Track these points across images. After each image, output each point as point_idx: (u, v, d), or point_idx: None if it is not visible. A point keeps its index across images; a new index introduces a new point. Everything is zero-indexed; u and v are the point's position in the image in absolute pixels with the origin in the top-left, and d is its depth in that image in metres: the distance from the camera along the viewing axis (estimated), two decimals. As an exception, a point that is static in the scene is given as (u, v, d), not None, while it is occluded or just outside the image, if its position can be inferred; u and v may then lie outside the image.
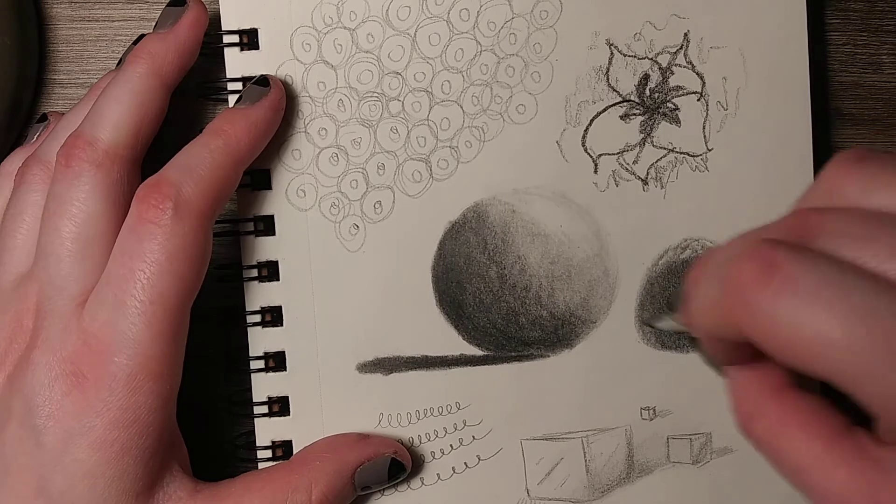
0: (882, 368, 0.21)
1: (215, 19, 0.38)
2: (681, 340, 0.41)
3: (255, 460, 0.40)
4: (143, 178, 0.35)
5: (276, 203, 0.39)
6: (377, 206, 0.40)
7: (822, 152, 0.42)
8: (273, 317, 0.39)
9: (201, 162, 0.35)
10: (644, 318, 0.40)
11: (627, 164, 0.40)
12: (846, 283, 0.22)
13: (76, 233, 0.34)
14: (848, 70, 0.42)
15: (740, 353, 0.25)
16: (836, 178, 0.25)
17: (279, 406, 0.40)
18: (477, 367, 0.40)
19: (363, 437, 0.39)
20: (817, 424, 0.24)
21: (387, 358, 0.40)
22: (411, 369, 0.40)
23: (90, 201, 0.35)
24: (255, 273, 0.39)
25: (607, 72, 0.40)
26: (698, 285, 0.26)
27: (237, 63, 0.39)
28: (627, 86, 0.40)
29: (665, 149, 0.40)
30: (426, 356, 0.40)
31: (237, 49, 0.38)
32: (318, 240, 0.39)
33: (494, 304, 0.40)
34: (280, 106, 0.38)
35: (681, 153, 0.40)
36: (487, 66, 0.39)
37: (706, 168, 0.40)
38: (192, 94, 0.40)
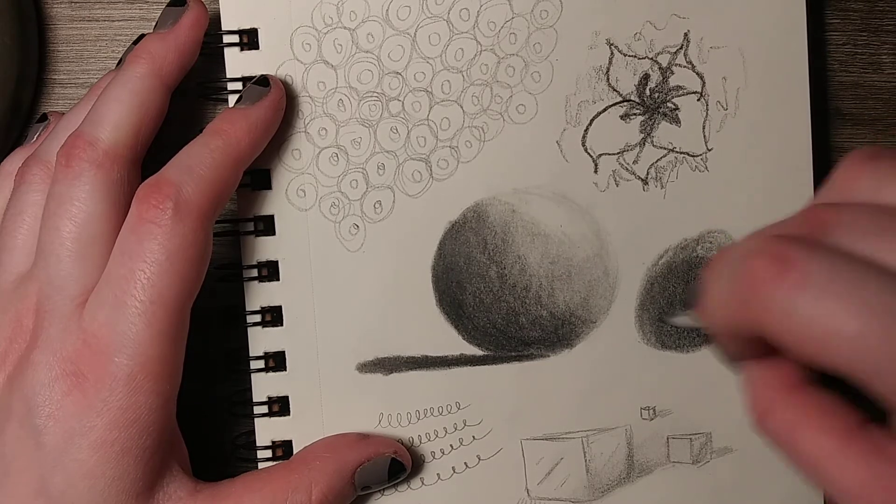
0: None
1: (215, 19, 0.38)
2: (681, 340, 0.41)
3: (255, 460, 0.40)
4: (144, 178, 0.35)
5: (276, 203, 0.39)
6: (377, 205, 0.40)
7: (822, 152, 0.42)
8: (273, 317, 0.39)
9: (201, 162, 0.35)
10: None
11: (627, 163, 0.40)
12: (859, 278, 0.22)
13: (76, 233, 0.34)
14: (848, 70, 0.42)
15: (755, 349, 0.26)
16: (850, 175, 0.26)
17: (279, 406, 0.40)
18: (477, 367, 0.40)
19: (363, 437, 0.39)
20: (832, 420, 0.24)
21: (387, 358, 0.40)
22: (411, 369, 0.40)
23: (90, 201, 0.35)
24: (255, 273, 0.39)
25: (607, 71, 0.40)
26: (713, 282, 0.26)
27: (237, 63, 0.39)
28: (627, 85, 0.40)
29: (665, 149, 0.40)
30: (426, 356, 0.40)
31: (237, 49, 0.38)
32: (318, 240, 0.39)
33: (494, 304, 0.40)
34: (280, 106, 0.38)
35: (681, 153, 0.40)
36: (487, 65, 0.39)
37: (706, 168, 0.40)
38: (192, 94, 0.40)
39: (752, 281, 0.24)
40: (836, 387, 0.25)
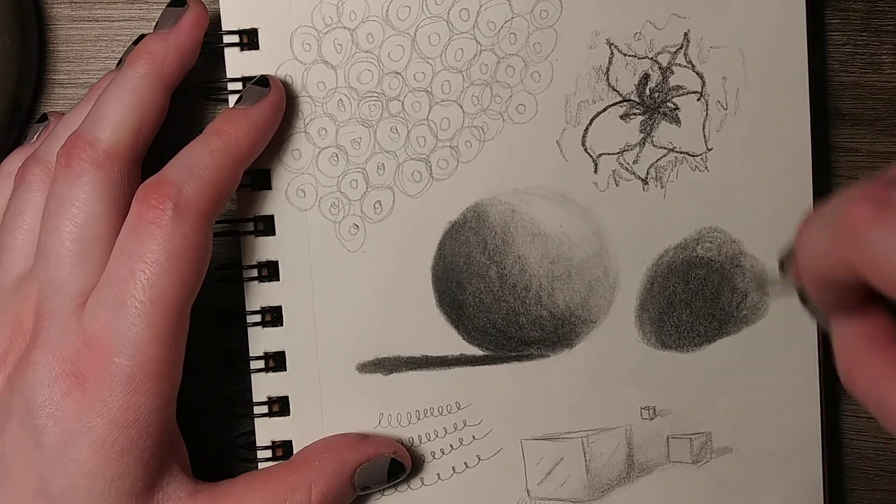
0: None
1: (215, 19, 0.38)
2: (681, 340, 0.41)
3: (255, 460, 0.40)
4: (144, 179, 0.35)
5: (276, 203, 0.39)
6: (377, 206, 0.40)
7: (822, 152, 0.42)
8: (273, 317, 0.39)
9: (201, 162, 0.35)
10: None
11: (627, 163, 0.40)
12: None
13: (76, 233, 0.34)
14: (848, 70, 0.42)
15: (850, 300, 0.25)
16: None
17: (279, 406, 0.40)
18: (477, 367, 0.40)
19: (363, 437, 0.39)
20: None
21: (387, 358, 0.40)
22: (411, 369, 0.40)
23: (90, 201, 0.35)
24: (255, 273, 0.39)
25: (607, 71, 0.40)
26: (809, 232, 0.26)
27: (237, 63, 0.39)
28: (627, 85, 0.40)
29: (665, 148, 0.40)
30: (426, 356, 0.40)
31: (237, 49, 0.38)
32: (318, 240, 0.39)
33: (494, 304, 0.40)
34: (280, 106, 0.38)
35: (681, 153, 0.40)
36: (487, 65, 0.39)
37: (706, 168, 0.40)
38: (192, 94, 0.40)
39: (850, 224, 0.23)
40: None
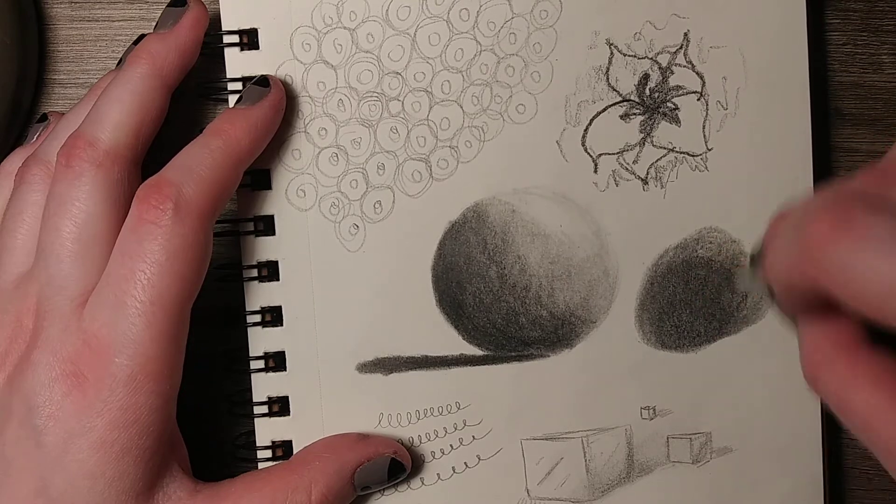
0: None
1: (215, 19, 0.38)
2: (681, 340, 0.41)
3: (255, 460, 0.40)
4: (144, 179, 0.35)
5: (276, 203, 0.39)
6: (377, 206, 0.40)
7: (822, 152, 0.42)
8: (273, 317, 0.39)
9: (201, 162, 0.35)
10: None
11: (627, 163, 0.40)
12: None
13: (76, 233, 0.35)
14: (848, 70, 0.42)
15: (815, 307, 0.25)
16: None
17: (279, 406, 0.40)
18: (477, 367, 0.40)
19: (363, 437, 0.39)
20: (886, 379, 0.24)
21: (387, 358, 0.40)
22: (411, 369, 0.40)
23: (91, 201, 0.35)
24: (255, 273, 0.39)
25: (607, 71, 0.40)
26: (775, 239, 0.26)
27: (237, 63, 0.39)
28: (627, 85, 0.40)
29: (665, 148, 0.40)
30: (426, 356, 0.40)
31: (237, 49, 0.38)
32: (318, 240, 0.39)
33: (494, 304, 0.40)
34: (280, 106, 0.38)
35: (681, 153, 0.40)
36: (487, 65, 0.39)
37: (706, 168, 0.40)
38: (192, 94, 0.40)
39: (813, 239, 0.23)
40: (893, 347, 0.25)
